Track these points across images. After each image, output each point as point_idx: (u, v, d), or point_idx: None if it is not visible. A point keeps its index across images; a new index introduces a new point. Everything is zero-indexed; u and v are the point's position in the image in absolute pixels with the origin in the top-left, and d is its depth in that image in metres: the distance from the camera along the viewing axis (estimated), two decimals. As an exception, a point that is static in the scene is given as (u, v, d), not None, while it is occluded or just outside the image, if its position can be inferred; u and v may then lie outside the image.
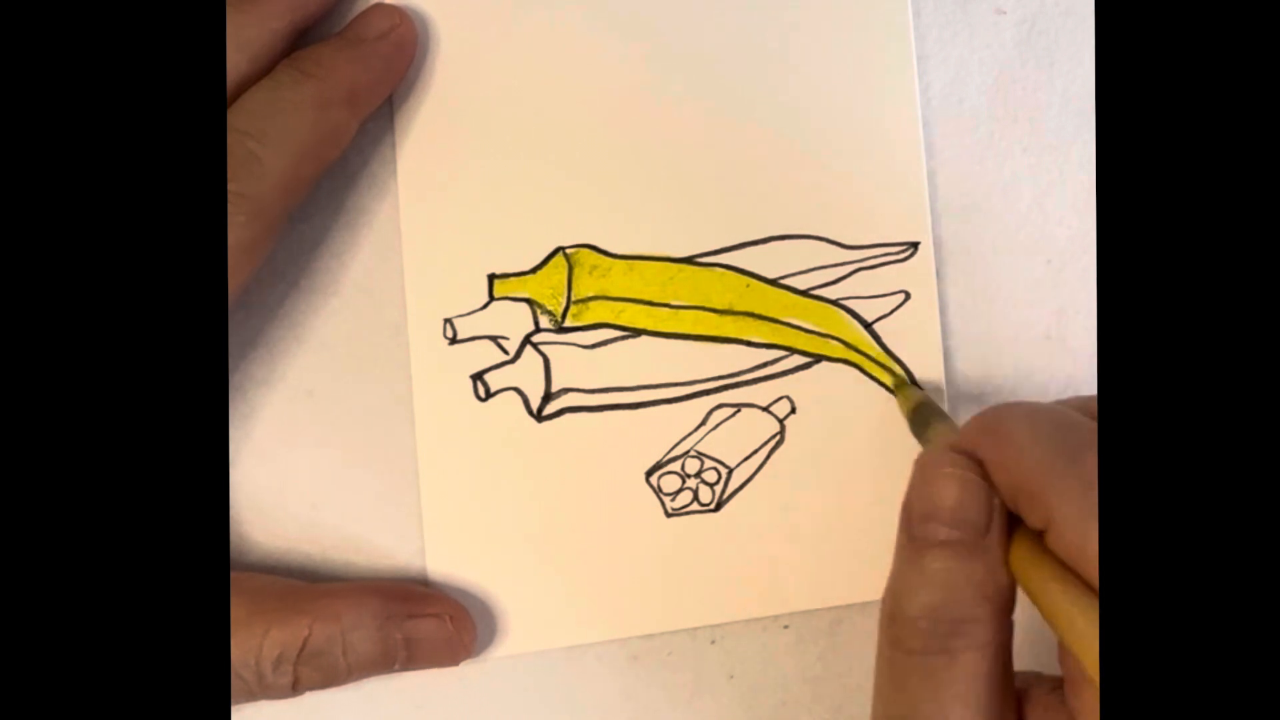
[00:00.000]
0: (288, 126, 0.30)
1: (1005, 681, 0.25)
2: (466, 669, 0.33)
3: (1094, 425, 0.25)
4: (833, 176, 0.34)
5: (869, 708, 0.27)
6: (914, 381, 0.33)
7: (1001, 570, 0.25)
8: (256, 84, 0.31)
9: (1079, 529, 0.23)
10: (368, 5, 0.33)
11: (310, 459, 0.33)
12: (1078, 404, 0.27)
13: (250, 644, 0.29)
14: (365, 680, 0.31)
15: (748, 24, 0.34)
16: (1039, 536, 0.25)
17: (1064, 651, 0.26)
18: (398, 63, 0.33)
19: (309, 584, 0.31)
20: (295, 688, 0.30)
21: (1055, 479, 0.24)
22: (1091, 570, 0.23)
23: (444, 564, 0.32)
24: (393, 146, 0.33)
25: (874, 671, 0.26)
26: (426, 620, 0.31)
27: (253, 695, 0.30)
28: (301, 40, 0.32)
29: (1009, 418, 0.25)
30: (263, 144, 0.29)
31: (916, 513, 0.26)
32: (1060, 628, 0.24)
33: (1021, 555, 0.25)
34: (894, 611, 0.25)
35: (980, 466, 0.26)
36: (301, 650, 0.29)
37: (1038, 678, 0.27)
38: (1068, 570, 0.24)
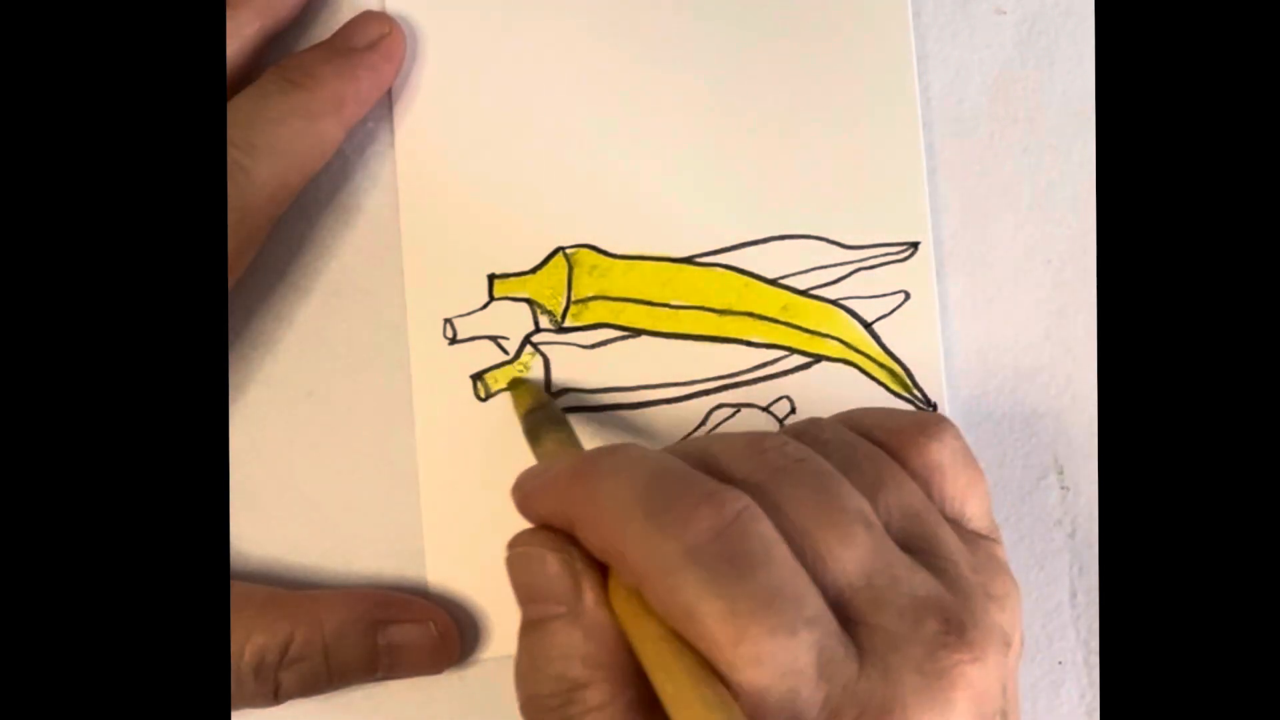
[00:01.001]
0: (275, 137, 0.30)
1: None
2: (466, 669, 0.33)
3: (687, 474, 0.24)
4: (833, 176, 0.34)
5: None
6: (914, 382, 0.33)
7: (604, 631, 0.24)
8: (243, 93, 0.30)
9: (664, 592, 0.22)
10: (357, 11, 0.33)
11: (310, 459, 0.33)
12: (699, 447, 0.26)
13: (231, 650, 0.29)
14: (361, 686, 0.31)
15: (747, 24, 0.34)
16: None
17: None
18: (386, 72, 0.32)
19: (290, 590, 0.31)
20: (277, 695, 0.29)
21: (636, 543, 0.23)
22: (688, 629, 0.22)
23: (444, 564, 0.32)
24: (392, 146, 0.33)
25: None
26: (410, 626, 0.31)
27: (234, 703, 0.29)
28: (279, 45, 0.32)
29: (590, 475, 0.24)
30: (250, 155, 0.29)
31: (516, 596, 0.25)
32: (657, 689, 0.22)
33: (625, 611, 0.24)
34: (520, 701, 0.25)
35: (560, 531, 0.25)
36: (283, 656, 0.29)
37: None
38: (669, 629, 0.22)
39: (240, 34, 0.31)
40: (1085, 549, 0.33)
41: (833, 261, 0.34)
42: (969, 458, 0.27)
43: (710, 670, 0.22)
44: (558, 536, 0.25)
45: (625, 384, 0.33)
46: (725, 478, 0.24)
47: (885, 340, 0.33)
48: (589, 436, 0.33)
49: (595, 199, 0.33)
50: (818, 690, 0.21)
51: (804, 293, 0.33)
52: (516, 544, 0.25)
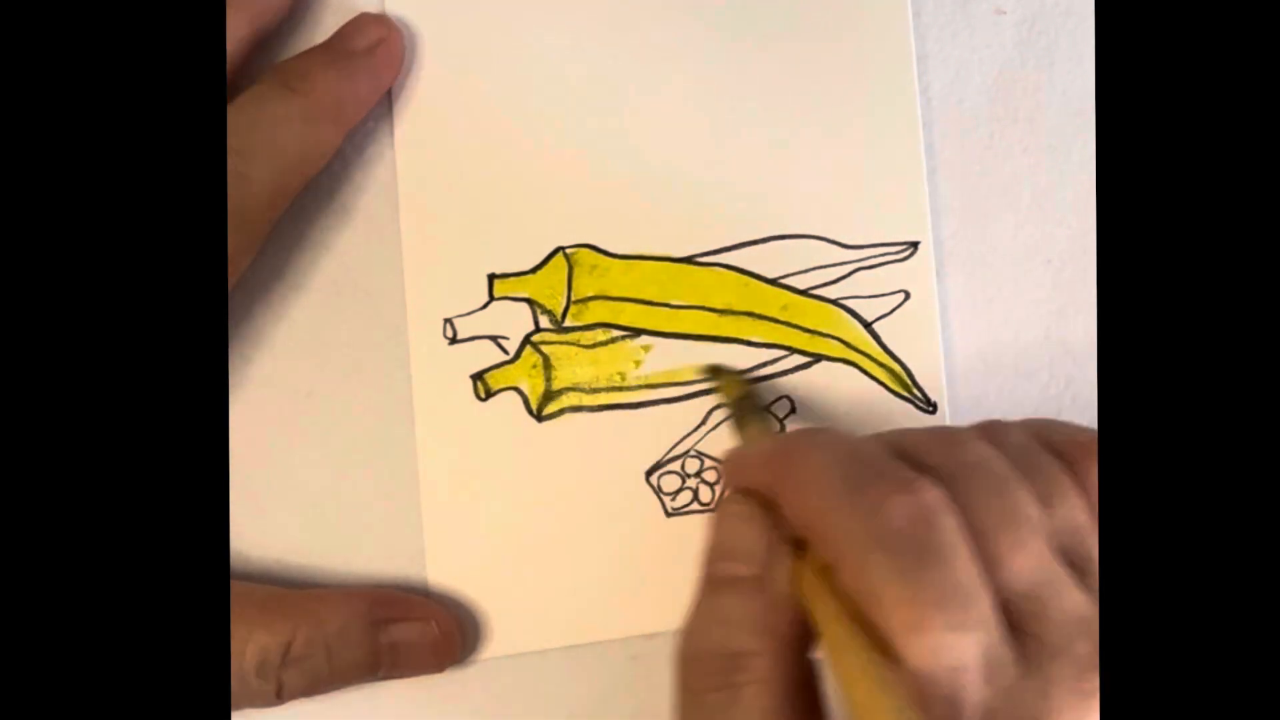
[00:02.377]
0: (273, 142, 0.30)
1: (801, 716, 0.25)
2: (466, 669, 0.33)
3: (886, 460, 0.25)
4: (833, 176, 0.34)
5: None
6: (914, 382, 0.33)
7: (784, 605, 0.25)
8: (242, 97, 0.30)
9: (854, 568, 0.23)
10: (355, 12, 0.33)
11: (310, 459, 0.33)
12: (894, 439, 0.26)
13: (233, 650, 0.29)
14: (363, 687, 0.31)
15: (747, 24, 0.34)
16: (829, 570, 0.24)
17: None
18: (385, 75, 0.32)
19: (291, 590, 0.31)
20: (279, 695, 0.29)
21: (835, 516, 0.24)
22: (871, 607, 0.23)
23: (444, 564, 0.32)
24: (392, 147, 0.33)
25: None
26: (412, 625, 0.31)
27: (236, 703, 0.29)
28: (278, 46, 0.32)
29: (797, 450, 0.25)
30: (248, 160, 0.29)
31: (707, 552, 0.26)
32: (832, 665, 0.23)
33: (811, 589, 0.24)
34: (682, 652, 0.26)
35: (767, 500, 0.26)
36: (285, 655, 0.29)
37: None
38: (850, 606, 0.23)
39: (234, 36, 0.31)
40: (1085, 549, 0.33)
41: (833, 261, 0.34)
42: None
43: (885, 654, 0.22)
44: (764, 502, 0.26)
45: (625, 383, 0.33)
46: (917, 466, 0.25)
47: (885, 340, 0.33)
48: (589, 436, 0.33)
49: (595, 199, 0.33)
50: (980, 691, 0.22)
51: (804, 292, 0.33)
52: (730, 503, 0.27)
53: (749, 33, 0.34)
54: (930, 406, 0.33)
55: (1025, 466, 0.25)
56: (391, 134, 0.33)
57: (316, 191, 0.33)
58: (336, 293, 0.33)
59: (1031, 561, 0.24)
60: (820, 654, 0.24)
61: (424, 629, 0.31)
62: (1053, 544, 0.24)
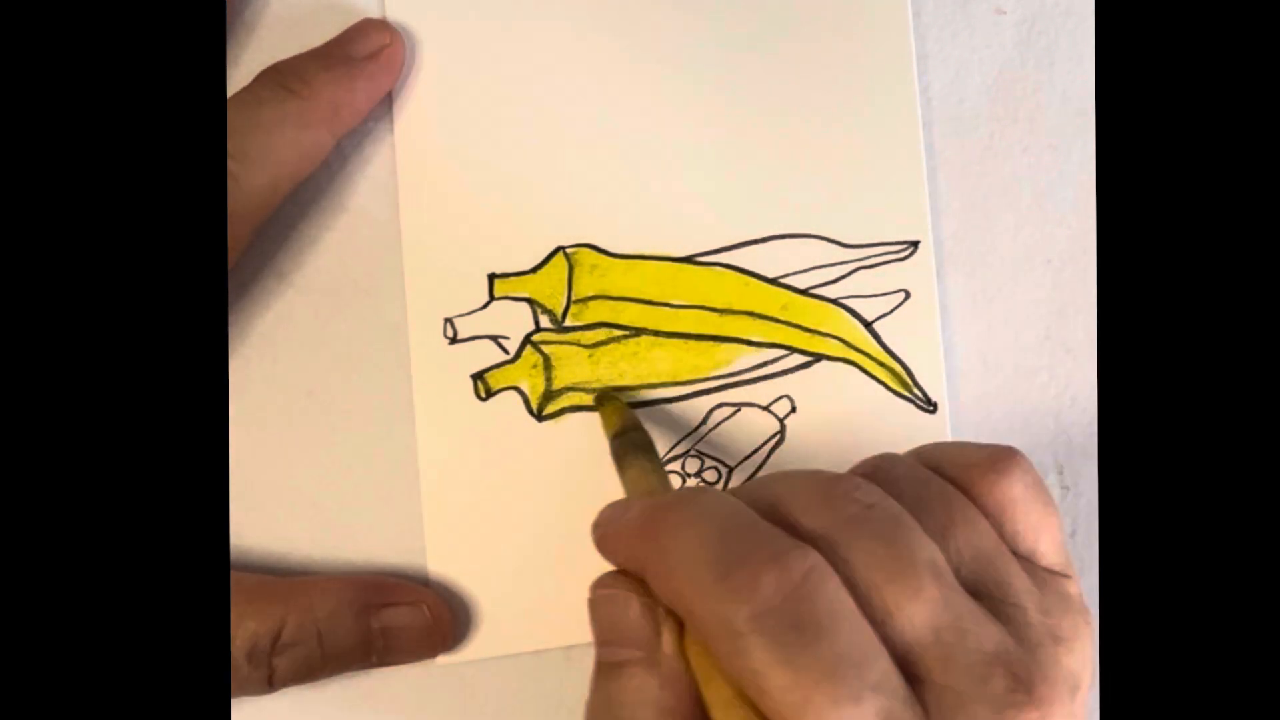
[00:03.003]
0: (267, 146, 0.30)
1: None
2: (466, 669, 0.33)
3: (758, 531, 0.23)
4: (833, 176, 0.34)
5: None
6: (914, 382, 0.33)
7: (678, 681, 0.24)
8: (237, 97, 0.30)
9: (731, 656, 0.22)
10: (355, 12, 0.33)
11: (310, 459, 0.33)
12: (764, 492, 0.25)
13: None
14: (362, 688, 0.31)
15: (748, 24, 0.34)
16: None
17: None
18: (384, 82, 0.32)
19: (281, 577, 0.31)
20: (271, 682, 0.29)
21: (703, 603, 0.23)
22: (755, 695, 0.22)
23: (444, 564, 0.32)
24: (392, 147, 0.33)
25: None
26: (403, 609, 0.31)
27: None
28: (277, 49, 0.32)
29: (664, 528, 0.24)
30: (241, 163, 0.29)
31: (595, 637, 0.26)
32: None
33: (700, 668, 0.24)
34: None
35: (639, 580, 0.25)
36: (276, 641, 0.29)
37: None
38: (732, 683, 0.23)
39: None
40: (1085, 549, 0.33)
41: (833, 261, 0.34)
42: (1041, 491, 0.26)
43: None
44: (641, 581, 0.25)
45: (625, 383, 0.33)
46: (793, 527, 0.24)
47: (885, 339, 0.33)
48: (590, 436, 0.33)
49: (595, 199, 0.33)
50: None
51: (804, 292, 0.33)
52: (601, 586, 0.26)
53: (749, 33, 0.34)
54: (930, 406, 0.33)
55: (916, 500, 0.24)
56: (391, 134, 0.33)
57: (317, 191, 0.33)
58: (336, 293, 0.33)
59: (930, 607, 0.23)
60: None
61: (415, 613, 0.31)
62: (958, 575, 0.24)
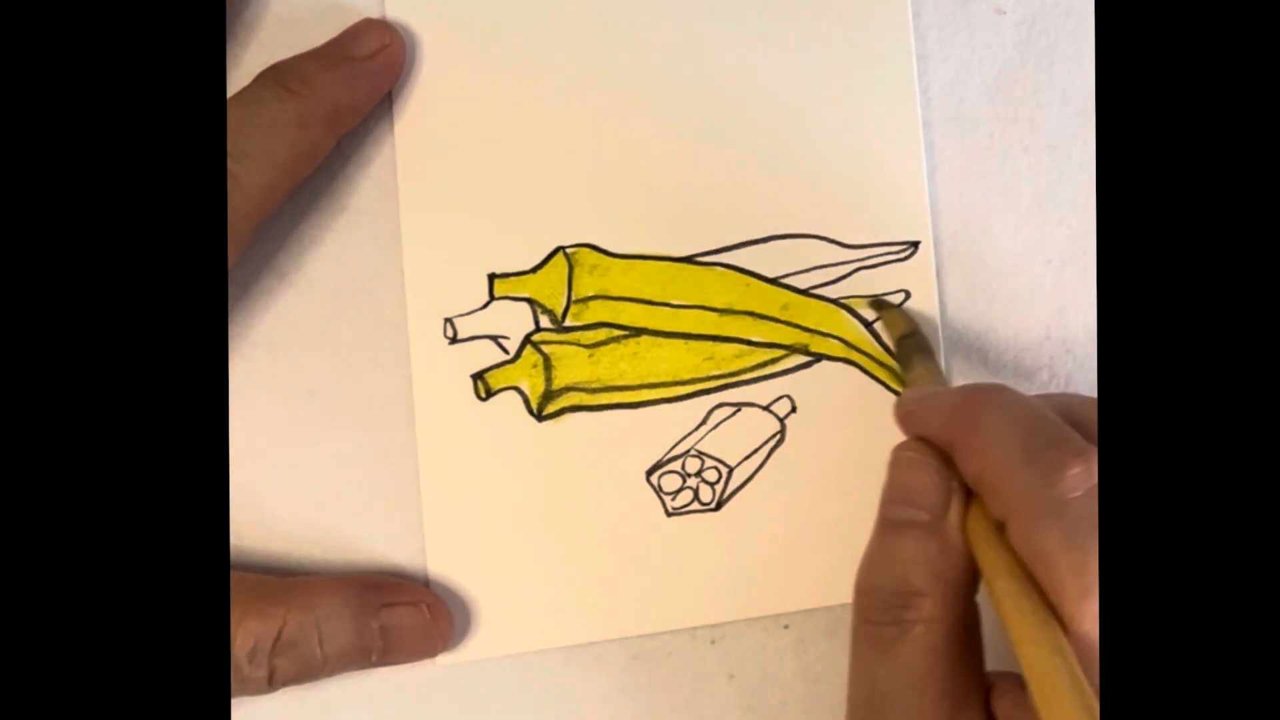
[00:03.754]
0: (267, 145, 0.30)
1: (962, 659, 0.26)
2: (466, 669, 0.33)
3: (1064, 428, 0.25)
4: (833, 176, 0.34)
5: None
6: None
7: (955, 551, 0.26)
8: (238, 96, 0.30)
9: (1029, 530, 0.24)
10: (355, 11, 0.33)
11: (310, 459, 0.33)
12: (1063, 402, 0.27)
13: None
14: (362, 688, 0.31)
15: (748, 24, 0.34)
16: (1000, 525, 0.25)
17: None
18: (384, 83, 0.32)
19: (281, 577, 0.31)
20: (271, 682, 0.29)
21: (1014, 478, 0.25)
22: (1040, 570, 0.24)
23: (444, 564, 0.32)
24: (392, 146, 0.33)
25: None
26: (402, 609, 0.31)
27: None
28: (277, 49, 0.32)
29: (981, 407, 0.26)
30: (241, 163, 0.29)
31: (885, 494, 0.28)
32: (1001, 618, 0.24)
33: (981, 539, 0.26)
34: (859, 584, 0.27)
35: (945, 451, 0.27)
36: (276, 641, 0.29)
37: (1017, 676, 0.27)
38: (1018, 564, 0.25)
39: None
40: (1085, 549, 0.33)
41: (833, 261, 0.34)
42: None
43: (1052, 614, 0.23)
44: (940, 452, 0.27)
45: (625, 383, 0.33)
46: (1091, 437, 0.25)
47: (885, 340, 0.33)
48: (589, 436, 0.33)
49: (595, 199, 0.33)
50: None
51: (804, 292, 0.33)
52: (905, 449, 0.28)
53: (749, 32, 0.34)
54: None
55: None
56: (391, 134, 0.33)
57: (317, 191, 0.33)
58: (336, 292, 0.33)
59: None
60: (985, 598, 0.26)
61: (415, 613, 0.31)
62: None
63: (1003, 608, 0.24)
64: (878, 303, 0.33)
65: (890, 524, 0.27)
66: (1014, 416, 0.26)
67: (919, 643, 0.26)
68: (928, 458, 0.27)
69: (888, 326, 0.33)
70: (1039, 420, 0.26)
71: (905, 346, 0.32)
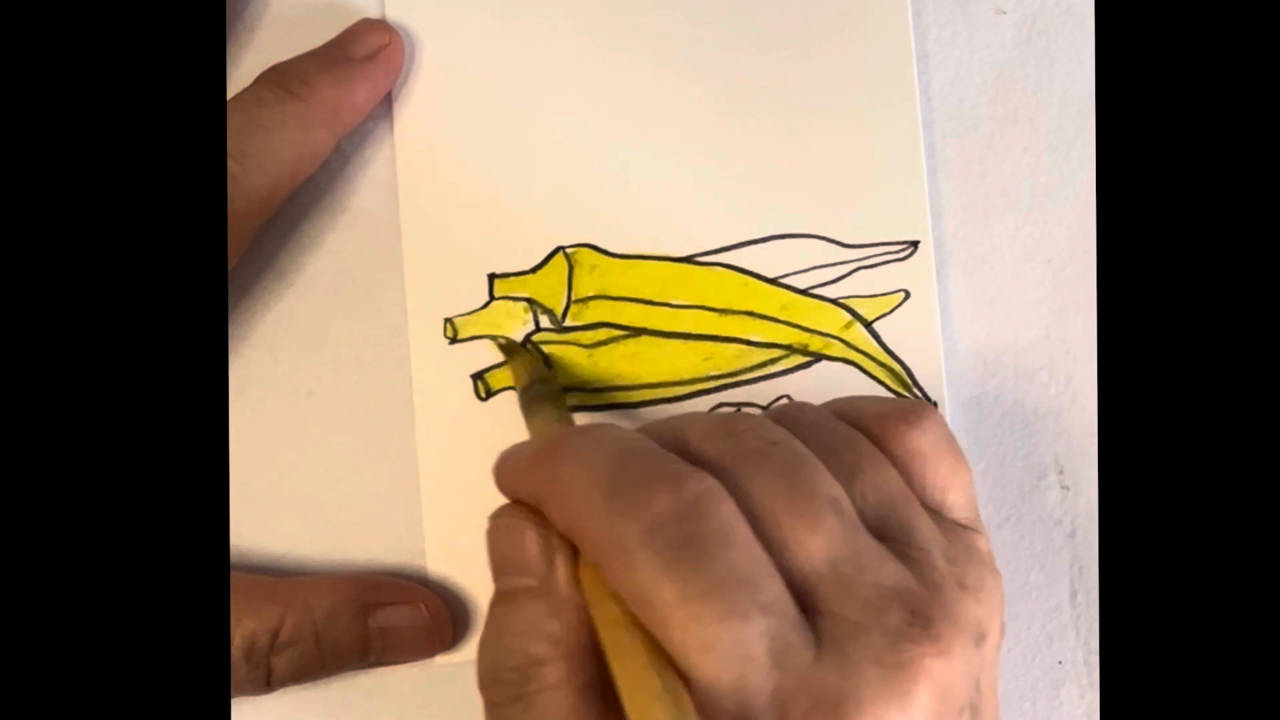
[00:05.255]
0: (267, 147, 0.30)
1: (604, 717, 0.23)
2: (466, 669, 0.32)
3: (655, 456, 0.24)
4: (833, 176, 0.34)
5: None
6: (914, 382, 0.33)
7: (570, 609, 0.24)
8: (238, 98, 0.30)
9: (620, 570, 0.22)
10: (355, 12, 0.33)
11: (310, 459, 0.33)
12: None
13: None
14: (361, 688, 0.31)
15: (747, 24, 0.34)
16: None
17: None
18: (384, 82, 0.32)
19: (279, 577, 0.31)
20: (270, 681, 0.29)
21: (595, 520, 0.23)
22: (642, 611, 0.22)
23: (444, 564, 0.32)
24: (392, 147, 0.33)
25: None
26: (401, 608, 0.31)
27: None
28: (276, 50, 0.32)
29: (559, 453, 0.24)
30: (241, 164, 0.29)
31: (491, 566, 0.26)
32: (613, 674, 0.22)
33: (592, 592, 0.24)
34: (479, 670, 0.25)
35: (534, 508, 0.25)
36: (274, 640, 0.29)
37: None
38: (623, 608, 0.23)
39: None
40: (1085, 549, 0.33)
41: (833, 260, 0.34)
42: (952, 445, 0.26)
43: (665, 657, 0.21)
44: (538, 513, 0.25)
45: (625, 383, 0.33)
46: (695, 458, 0.24)
47: (885, 339, 0.33)
48: (589, 436, 0.33)
49: (595, 199, 0.33)
50: (768, 679, 0.21)
51: (804, 292, 0.33)
52: (498, 516, 0.26)
53: (749, 33, 0.34)
54: (931, 406, 0.33)
55: (823, 445, 0.25)
56: (391, 134, 0.33)
57: (317, 191, 0.33)
58: (336, 293, 0.33)
59: (828, 540, 0.23)
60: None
61: (413, 613, 0.31)
62: (862, 518, 0.24)
63: (609, 658, 0.22)
64: (506, 346, 0.32)
65: (500, 597, 0.25)
66: (592, 459, 0.24)
67: (547, 712, 0.23)
68: (521, 521, 0.25)
69: (513, 372, 0.32)
70: (620, 457, 0.23)
71: (528, 395, 0.30)
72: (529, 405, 0.30)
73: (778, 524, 0.23)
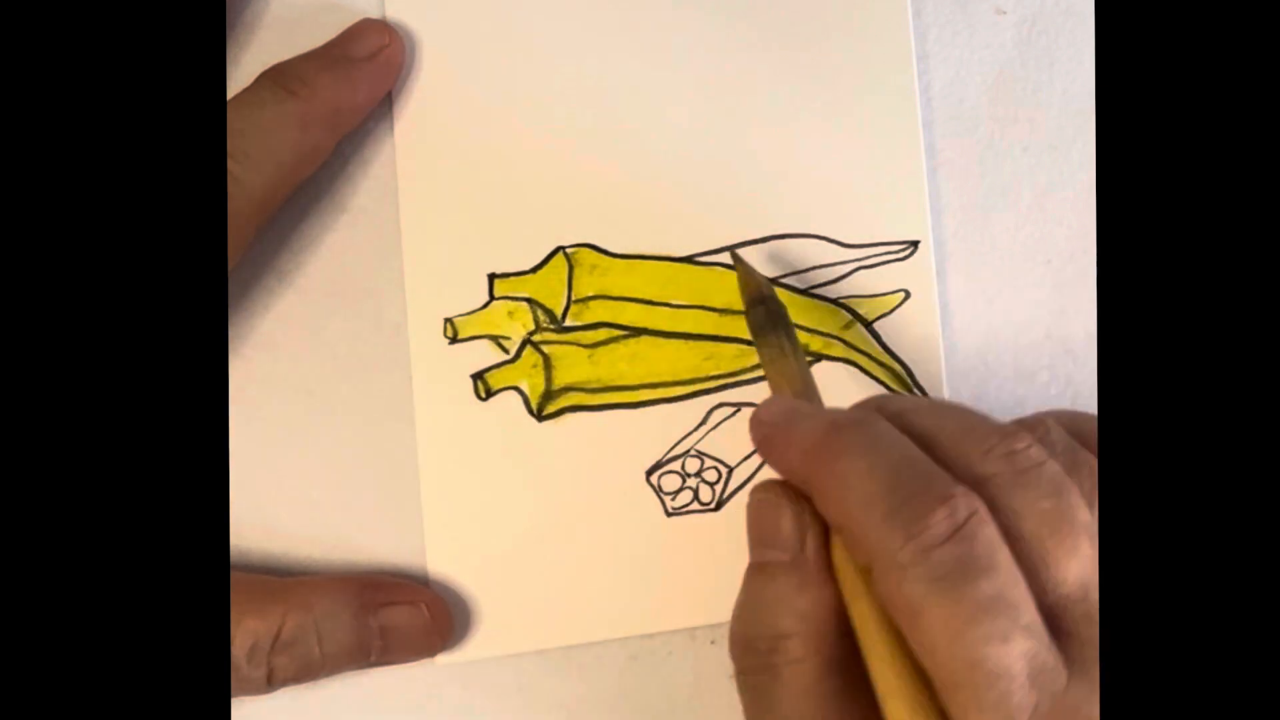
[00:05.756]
0: (268, 147, 0.30)
1: (846, 698, 0.25)
2: (466, 668, 0.33)
3: (929, 470, 0.25)
4: (833, 176, 0.34)
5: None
6: (915, 382, 0.33)
7: (817, 587, 0.25)
8: (238, 98, 0.30)
9: (892, 585, 0.23)
10: (356, 12, 0.33)
11: (310, 459, 0.33)
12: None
13: None
14: (362, 687, 0.31)
15: (747, 23, 0.34)
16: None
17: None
18: (384, 82, 0.32)
19: (279, 577, 0.31)
20: (270, 681, 0.29)
21: (874, 531, 0.24)
22: (906, 621, 0.23)
23: (444, 564, 0.32)
24: (393, 146, 0.33)
25: None
26: (401, 608, 0.31)
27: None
28: (276, 50, 0.32)
29: (841, 450, 0.25)
30: (242, 164, 0.29)
31: (748, 538, 0.27)
32: (868, 667, 0.24)
33: (848, 581, 0.25)
34: (731, 638, 0.26)
35: (799, 490, 0.26)
36: (275, 640, 0.29)
37: None
38: (885, 613, 0.24)
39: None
40: (1085, 549, 0.33)
41: (833, 260, 0.34)
42: None
43: (919, 665, 0.23)
44: (794, 490, 0.26)
45: (625, 383, 0.33)
46: (963, 468, 0.25)
47: (885, 339, 0.33)
48: (589, 436, 0.33)
49: (595, 199, 0.33)
50: (1028, 697, 0.22)
51: (804, 292, 0.33)
52: (759, 491, 0.27)
53: (749, 32, 0.34)
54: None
55: (1070, 465, 0.25)
56: (391, 134, 0.33)
57: (317, 191, 0.33)
58: (336, 293, 0.33)
59: (1082, 566, 0.24)
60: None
61: (414, 612, 0.31)
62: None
63: (870, 659, 0.24)
64: (736, 256, 0.32)
65: (754, 569, 0.26)
66: (873, 463, 0.25)
67: (792, 686, 0.25)
68: (778, 497, 0.26)
69: (740, 284, 0.32)
70: (897, 467, 0.25)
71: (753, 320, 0.31)
72: (757, 334, 0.31)
73: (1039, 547, 0.24)
